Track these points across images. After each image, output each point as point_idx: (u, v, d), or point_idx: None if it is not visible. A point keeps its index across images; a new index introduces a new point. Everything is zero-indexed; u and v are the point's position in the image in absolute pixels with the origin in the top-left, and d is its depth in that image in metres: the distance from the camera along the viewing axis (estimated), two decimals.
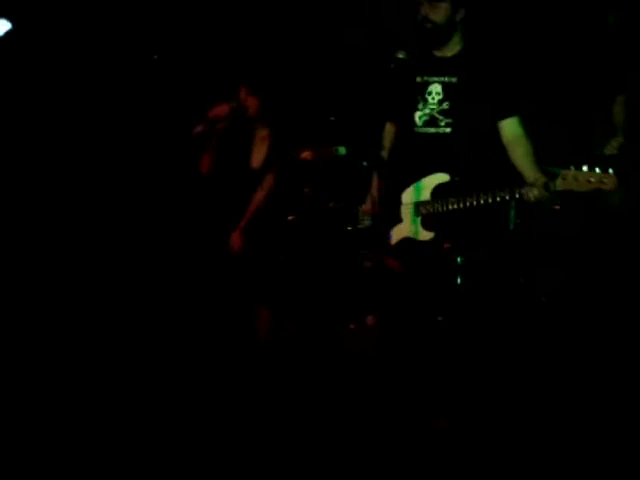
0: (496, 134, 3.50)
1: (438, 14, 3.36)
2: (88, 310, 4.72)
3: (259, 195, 4.34)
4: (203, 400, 3.68)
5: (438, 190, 3.45)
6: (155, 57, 5.07)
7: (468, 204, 3.33)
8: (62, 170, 5.14)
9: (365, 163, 3.94)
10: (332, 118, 5.44)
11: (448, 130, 3.45)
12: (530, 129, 3.53)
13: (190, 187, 4.51)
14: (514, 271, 5.12)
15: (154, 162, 5.00)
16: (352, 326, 4.69)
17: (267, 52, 4.84)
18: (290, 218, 5.14)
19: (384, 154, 3.69)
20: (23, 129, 5.10)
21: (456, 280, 3.69)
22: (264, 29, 5.32)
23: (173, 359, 4.13)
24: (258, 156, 4.34)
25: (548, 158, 4.89)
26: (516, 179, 3.42)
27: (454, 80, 3.45)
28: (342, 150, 5.18)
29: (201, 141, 4.39)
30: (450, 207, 3.38)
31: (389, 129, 3.72)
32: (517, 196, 3.27)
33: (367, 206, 3.66)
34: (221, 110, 4.39)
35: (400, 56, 3.39)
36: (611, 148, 4.46)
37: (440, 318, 3.58)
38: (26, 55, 5.05)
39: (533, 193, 3.25)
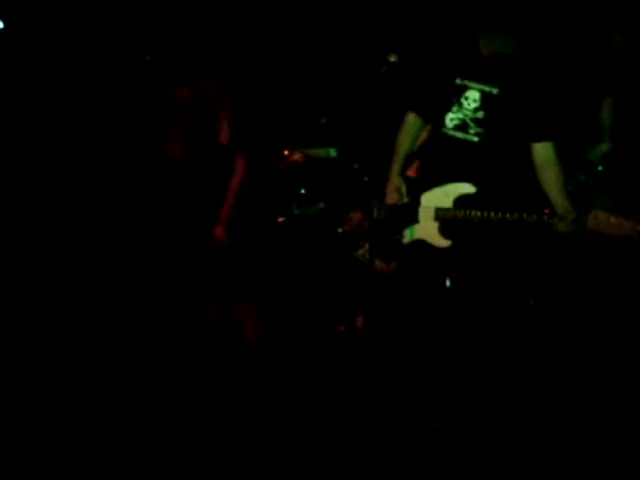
0: (527, 154, 3.44)
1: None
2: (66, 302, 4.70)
3: (234, 181, 4.28)
4: (194, 403, 3.68)
5: (462, 199, 3.40)
6: (147, 58, 5.06)
7: (493, 219, 3.28)
8: (54, 167, 5.13)
9: (356, 165, 3.93)
10: (323, 120, 5.46)
11: (476, 139, 3.39)
12: None
13: (163, 176, 4.46)
14: (502, 273, 5.15)
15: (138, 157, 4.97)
16: (342, 328, 4.70)
17: (259, 53, 4.85)
18: (280, 220, 5.16)
19: (409, 147, 3.57)
20: (15, 129, 5.08)
21: (445, 282, 3.71)
22: (256, 30, 5.34)
23: (158, 359, 4.12)
24: (224, 134, 4.30)
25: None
26: (542, 203, 3.40)
27: (495, 91, 3.36)
28: (333, 152, 5.20)
29: (164, 126, 4.35)
30: (473, 218, 3.33)
31: (417, 123, 3.59)
32: (545, 224, 3.23)
33: (390, 196, 3.55)
34: (180, 93, 4.35)
35: (392, 59, 3.39)
36: (596, 154, 4.46)
37: (431, 319, 3.59)
38: (16, 56, 5.03)
39: (562, 226, 3.22)
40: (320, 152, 5.32)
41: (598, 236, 3.16)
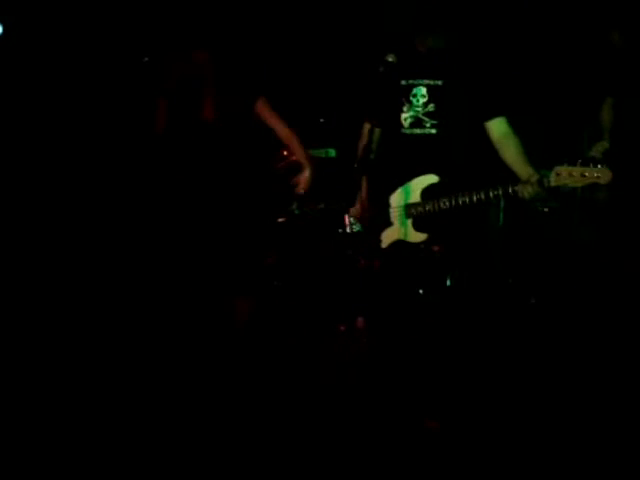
0: (482, 135, 3.51)
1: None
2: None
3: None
4: (195, 403, 3.68)
5: (428, 191, 3.46)
6: (145, 59, 5.06)
7: (461, 202, 3.33)
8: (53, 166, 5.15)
9: (355, 165, 3.92)
10: (322, 120, 5.47)
11: (434, 131, 3.46)
12: (519, 132, 3.54)
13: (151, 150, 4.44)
14: (503, 272, 5.16)
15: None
16: (342, 328, 4.70)
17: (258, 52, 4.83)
18: (280, 220, 5.16)
19: (371, 156, 3.69)
20: (16, 131, 5.10)
21: (445, 281, 3.70)
22: (255, 30, 5.33)
23: (161, 358, 4.12)
24: (209, 109, 4.26)
25: (538, 161, 4.93)
26: (507, 178, 3.44)
27: (439, 83, 3.47)
28: (332, 152, 5.20)
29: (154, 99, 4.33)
30: (442, 207, 3.38)
31: (374, 131, 3.67)
32: (511, 193, 3.28)
33: (356, 210, 3.67)
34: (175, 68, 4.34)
35: (390, 59, 3.38)
36: (595, 152, 4.47)
37: (430, 318, 3.59)
38: (16, 59, 5.05)
39: (527, 190, 3.26)
40: (319, 152, 5.33)
41: (561, 195, 3.20)
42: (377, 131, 3.66)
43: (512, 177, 3.41)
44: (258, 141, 4.19)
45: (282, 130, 4.12)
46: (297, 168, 4.17)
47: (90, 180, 5.19)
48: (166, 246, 4.39)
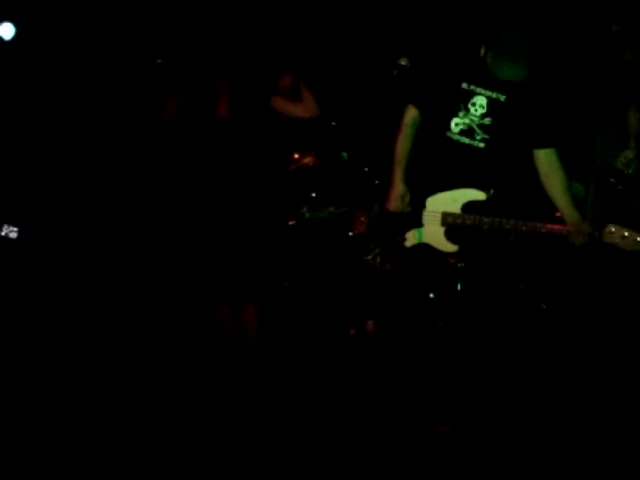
0: (532, 161, 3.47)
1: None
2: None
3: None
4: (201, 405, 3.68)
5: (471, 205, 3.40)
6: (159, 61, 5.08)
7: (506, 228, 3.31)
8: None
9: (366, 169, 3.91)
10: (333, 123, 5.46)
11: (482, 145, 3.40)
12: None
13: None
14: (514, 277, 5.14)
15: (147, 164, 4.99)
16: (352, 331, 4.70)
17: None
18: (291, 223, 5.16)
19: (409, 148, 3.51)
20: (24, 130, 5.13)
21: (456, 286, 3.70)
22: (267, 32, 5.34)
23: (165, 359, 4.13)
24: (224, 108, 4.25)
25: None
26: (550, 210, 3.44)
27: (502, 98, 3.38)
28: (344, 155, 5.19)
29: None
30: (484, 226, 3.34)
31: (416, 118, 3.53)
32: (560, 236, 3.28)
33: (392, 203, 3.49)
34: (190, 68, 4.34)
35: (403, 63, 3.38)
36: (623, 160, 4.43)
37: (441, 324, 3.58)
38: (29, 59, 5.07)
39: (579, 240, 3.26)
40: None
41: (613, 251, 3.18)
42: (418, 124, 3.52)
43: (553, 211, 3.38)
44: (271, 143, 4.18)
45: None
46: (307, 171, 4.17)
47: (96, 178, 5.21)
48: (174, 245, 4.40)
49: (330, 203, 5.13)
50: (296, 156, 5.20)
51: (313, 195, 5.34)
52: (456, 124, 3.40)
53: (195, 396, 3.71)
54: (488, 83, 3.36)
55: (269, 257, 4.22)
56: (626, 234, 3.16)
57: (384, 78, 3.50)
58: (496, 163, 3.40)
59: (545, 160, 3.43)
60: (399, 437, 3.35)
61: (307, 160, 5.19)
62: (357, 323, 4.72)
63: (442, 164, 3.44)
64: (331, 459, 3.18)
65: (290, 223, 5.20)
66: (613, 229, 3.18)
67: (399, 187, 3.47)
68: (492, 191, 3.38)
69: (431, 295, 3.82)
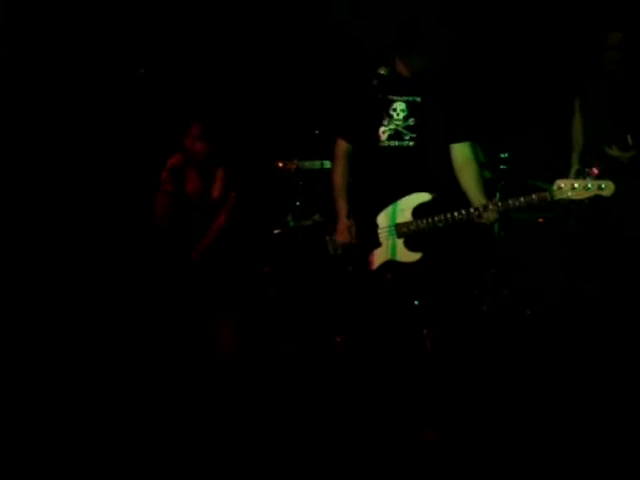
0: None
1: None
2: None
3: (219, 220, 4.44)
4: (191, 413, 3.68)
5: (420, 209, 3.42)
6: (142, 71, 5.09)
7: (457, 219, 3.31)
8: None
9: (350, 178, 3.90)
10: (317, 132, 5.48)
11: (412, 144, 3.44)
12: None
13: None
14: (498, 283, 5.17)
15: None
16: (339, 339, 4.70)
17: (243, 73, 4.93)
18: (276, 232, 5.17)
19: (347, 178, 3.60)
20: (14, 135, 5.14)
21: (441, 293, 3.70)
22: (251, 41, 5.38)
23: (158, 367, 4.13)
24: (216, 190, 4.44)
25: (529, 171, 4.95)
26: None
27: (418, 99, 3.46)
28: (327, 164, 5.21)
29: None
30: (438, 224, 3.35)
31: (347, 148, 3.63)
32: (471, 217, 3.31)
33: (341, 236, 3.56)
34: (175, 159, 4.49)
35: (382, 72, 3.39)
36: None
37: (426, 330, 3.58)
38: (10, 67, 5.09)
39: (488, 215, 3.29)
40: (315, 164, 5.34)
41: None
42: (349, 150, 3.62)
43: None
44: (254, 155, 4.23)
45: None
46: (293, 181, 4.21)
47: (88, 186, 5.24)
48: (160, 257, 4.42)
49: (315, 211, 5.14)
50: (280, 165, 5.22)
51: (297, 204, 5.37)
52: (383, 132, 3.47)
53: (183, 404, 3.72)
54: (401, 90, 3.46)
55: (250, 269, 4.26)
56: (575, 185, 3.16)
57: (365, 87, 3.50)
58: (429, 158, 3.44)
59: (458, 154, 3.47)
60: (386, 443, 3.36)
61: (290, 168, 5.21)
62: (343, 331, 4.72)
63: (381, 177, 3.47)
64: (317, 467, 3.19)
65: (275, 232, 5.22)
66: (562, 184, 3.18)
67: (343, 220, 3.53)
68: (434, 188, 3.41)
69: (415, 302, 3.82)
